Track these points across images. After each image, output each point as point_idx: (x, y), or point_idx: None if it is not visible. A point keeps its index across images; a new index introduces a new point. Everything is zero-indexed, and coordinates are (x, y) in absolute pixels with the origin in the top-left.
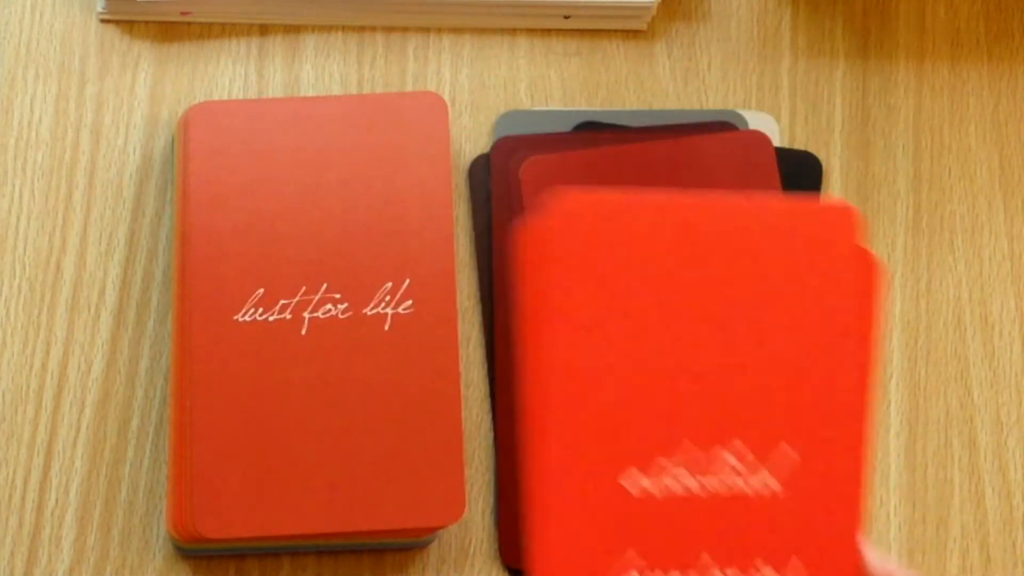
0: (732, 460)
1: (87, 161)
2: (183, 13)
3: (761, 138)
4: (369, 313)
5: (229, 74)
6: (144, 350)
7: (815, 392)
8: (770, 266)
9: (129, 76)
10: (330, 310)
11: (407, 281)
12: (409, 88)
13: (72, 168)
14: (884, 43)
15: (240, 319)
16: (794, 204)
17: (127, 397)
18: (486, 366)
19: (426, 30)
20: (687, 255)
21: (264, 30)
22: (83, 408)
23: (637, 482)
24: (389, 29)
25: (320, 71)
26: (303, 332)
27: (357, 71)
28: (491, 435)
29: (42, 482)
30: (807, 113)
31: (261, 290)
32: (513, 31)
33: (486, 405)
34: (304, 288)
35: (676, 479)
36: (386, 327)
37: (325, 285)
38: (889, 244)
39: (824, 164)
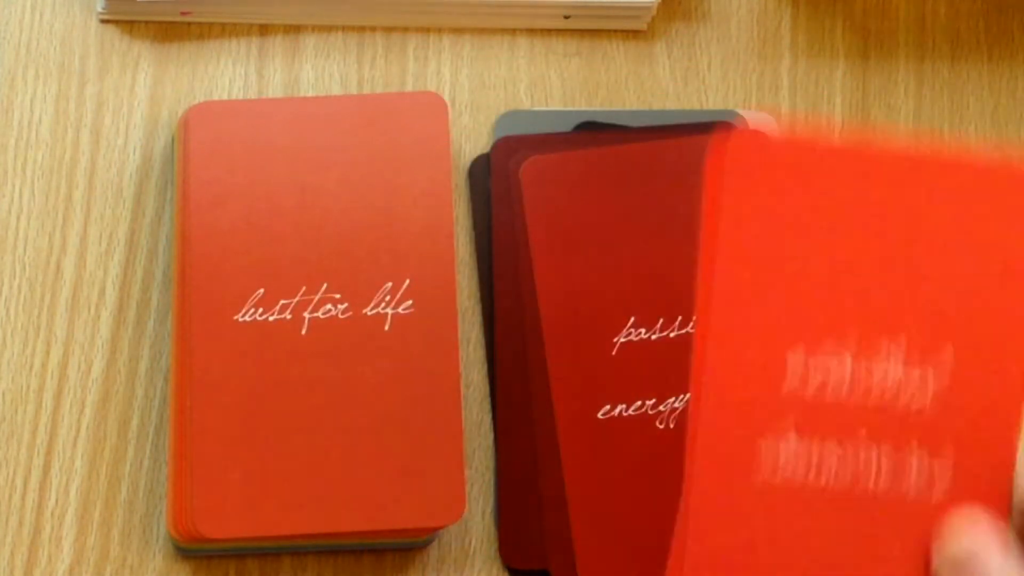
0: (897, 351)
1: (87, 161)
2: (183, 13)
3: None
4: (369, 313)
5: (229, 74)
6: (144, 350)
7: (985, 309)
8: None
9: (129, 76)
10: (330, 310)
11: (407, 281)
12: (409, 88)
13: (72, 168)
14: (884, 43)
15: (240, 319)
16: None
17: (127, 397)
18: (486, 366)
19: (426, 30)
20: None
21: (264, 30)
22: (83, 408)
23: (803, 358)
24: (389, 29)
25: (320, 71)
26: (303, 332)
27: (357, 71)
28: (491, 435)
29: (42, 482)
30: (807, 113)
31: (261, 290)
32: (513, 31)
33: (486, 405)
34: (304, 288)
35: (840, 361)
36: (386, 327)
37: (325, 285)
38: None
39: None
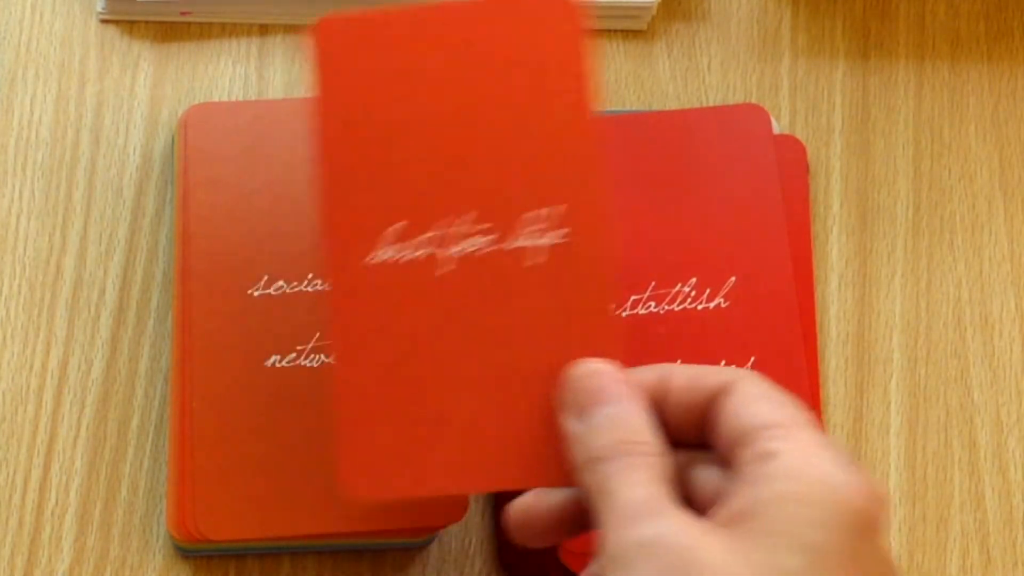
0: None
1: (87, 161)
2: (183, 13)
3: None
4: None
5: (229, 74)
6: (144, 350)
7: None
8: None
9: (129, 76)
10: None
11: None
12: None
13: (72, 168)
14: (884, 43)
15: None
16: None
17: (127, 397)
18: None
19: None
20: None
21: (264, 30)
22: (83, 408)
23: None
24: None
25: None
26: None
27: None
28: None
29: (42, 482)
30: (807, 113)
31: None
32: None
33: None
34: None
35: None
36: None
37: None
38: (889, 244)
39: (824, 164)
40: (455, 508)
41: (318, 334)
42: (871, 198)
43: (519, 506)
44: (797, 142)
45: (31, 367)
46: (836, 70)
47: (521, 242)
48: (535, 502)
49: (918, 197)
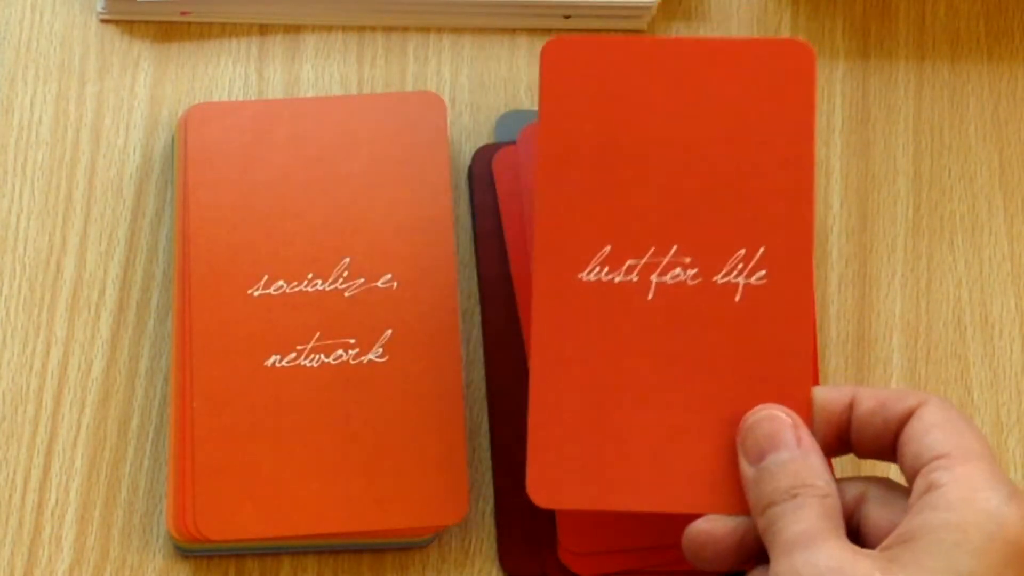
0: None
1: (87, 161)
2: (183, 13)
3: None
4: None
5: (229, 74)
6: (144, 350)
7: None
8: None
9: (129, 76)
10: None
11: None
12: (409, 88)
13: (72, 168)
14: (884, 43)
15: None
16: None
17: (127, 397)
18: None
19: (426, 30)
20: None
21: (264, 30)
22: (83, 408)
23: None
24: (389, 29)
25: (320, 71)
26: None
27: (357, 71)
28: (490, 435)
29: (42, 482)
30: None
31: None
32: (513, 31)
33: (486, 405)
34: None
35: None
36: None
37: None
38: (889, 244)
39: (824, 164)
40: (455, 508)
41: (318, 334)
42: (871, 198)
43: (697, 528)
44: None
45: (31, 367)
46: (836, 70)
47: (726, 279)
48: (713, 527)
49: (918, 197)
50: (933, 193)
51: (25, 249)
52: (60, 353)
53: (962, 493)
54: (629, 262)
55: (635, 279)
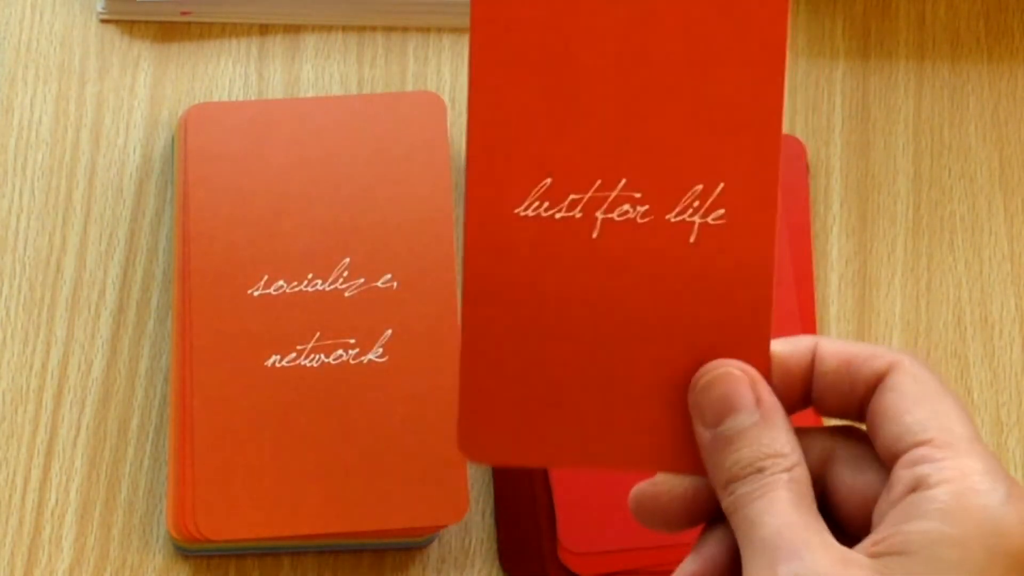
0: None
1: (87, 161)
2: (183, 13)
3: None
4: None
5: (229, 74)
6: (144, 350)
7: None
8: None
9: (129, 76)
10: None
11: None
12: (409, 88)
13: (72, 168)
14: (884, 43)
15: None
16: None
17: (127, 397)
18: None
19: (426, 30)
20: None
21: (264, 30)
22: (83, 408)
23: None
24: (389, 29)
25: (320, 71)
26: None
27: (357, 71)
28: None
29: (42, 482)
30: (807, 113)
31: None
32: None
33: None
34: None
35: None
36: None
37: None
38: (889, 244)
39: (824, 164)
40: (455, 508)
41: (318, 334)
42: (871, 198)
43: (643, 492)
44: (797, 142)
45: (31, 367)
46: (836, 70)
47: (680, 217)
48: (659, 490)
49: (918, 197)
50: (933, 193)
51: (25, 249)
52: (60, 353)
53: (957, 498)
54: (572, 196)
55: (578, 215)
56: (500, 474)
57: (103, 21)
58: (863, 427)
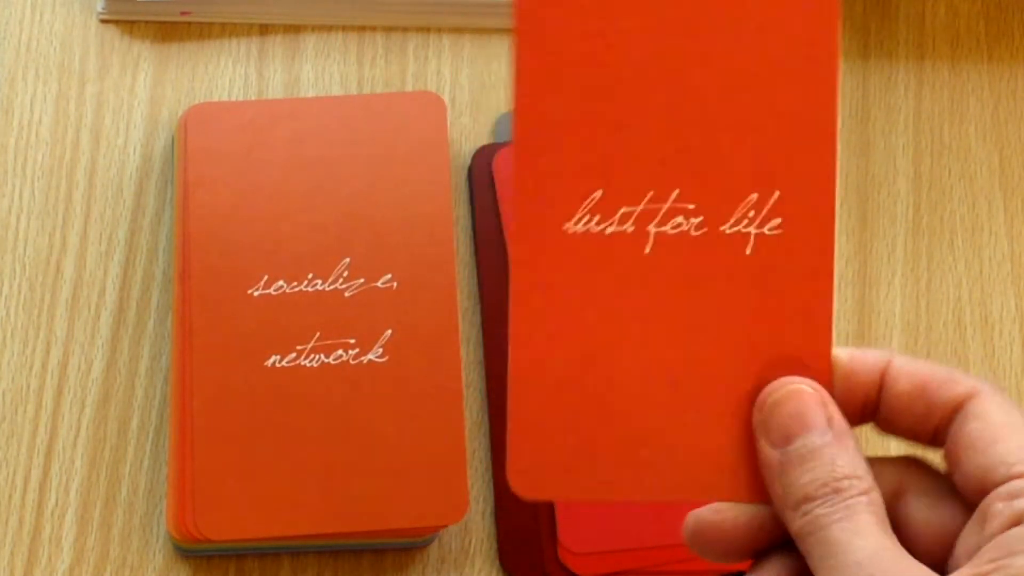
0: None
1: (87, 161)
2: (183, 13)
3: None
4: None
5: (229, 74)
6: (144, 350)
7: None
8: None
9: (129, 76)
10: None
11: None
12: (409, 88)
13: (72, 168)
14: (884, 43)
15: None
16: None
17: (127, 397)
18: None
19: (426, 30)
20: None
21: (264, 30)
22: (83, 408)
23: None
24: (389, 29)
25: (320, 71)
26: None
27: (357, 71)
28: (490, 435)
29: (42, 482)
30: None
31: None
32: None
33: (486, 405)
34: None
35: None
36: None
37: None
38: (889, 244)
39: None
40: (455, 508)
41: (318, 334)
42: (871, 198)
43: (704, 520)
44: None
45: (31, 367)
46: None
47: (736, 228)
48: (723, 518)
49: (918, 197)
50: (933, 193)
51: (25, 249)
52: (60, 353)
53: None
54: (623, 210)
55: (630, 229)
56: (500, 474)
57: (103, 21)
58: (917, 453)
